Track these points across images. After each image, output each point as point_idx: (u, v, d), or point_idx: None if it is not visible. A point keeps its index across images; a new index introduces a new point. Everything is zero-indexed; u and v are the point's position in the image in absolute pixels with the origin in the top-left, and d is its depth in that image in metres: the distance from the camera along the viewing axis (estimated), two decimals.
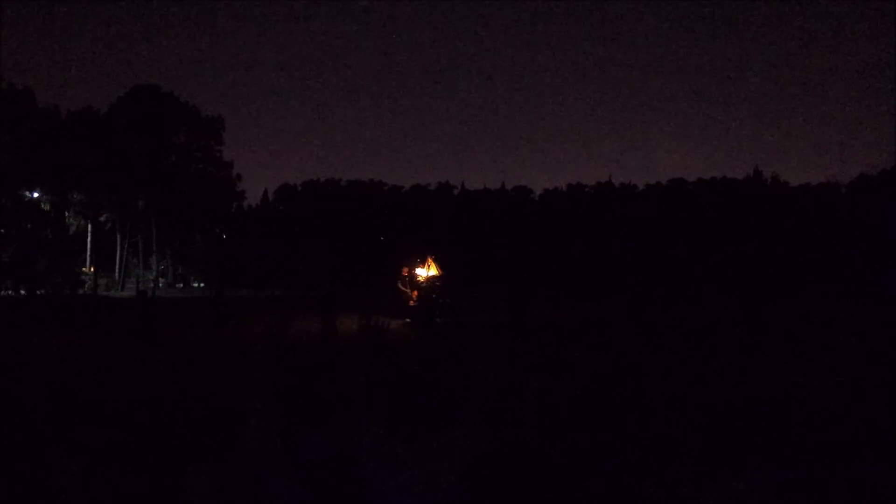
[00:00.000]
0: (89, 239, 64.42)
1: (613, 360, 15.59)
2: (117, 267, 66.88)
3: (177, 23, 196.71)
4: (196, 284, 76.84)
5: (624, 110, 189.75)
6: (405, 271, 33.68)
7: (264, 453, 7.83)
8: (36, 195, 61.90)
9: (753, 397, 11.18)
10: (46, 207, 62.63)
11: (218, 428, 8.97)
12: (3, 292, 53.39)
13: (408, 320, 29.77)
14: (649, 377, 13.11)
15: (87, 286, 60.66)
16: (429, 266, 33.94)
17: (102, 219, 66.55)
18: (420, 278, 33.05)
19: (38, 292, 53.83)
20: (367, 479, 6.96)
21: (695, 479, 6.96)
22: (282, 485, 6.72)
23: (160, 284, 68.27)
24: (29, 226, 60.21)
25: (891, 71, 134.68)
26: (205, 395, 11.18)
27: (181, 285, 75.39)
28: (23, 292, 53.45)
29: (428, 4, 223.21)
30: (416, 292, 31.70)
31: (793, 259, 66.97)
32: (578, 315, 30.81)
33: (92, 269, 63.88)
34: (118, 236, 67.21)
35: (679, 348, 17.93)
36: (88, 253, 64.33)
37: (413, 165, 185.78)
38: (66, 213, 64.59)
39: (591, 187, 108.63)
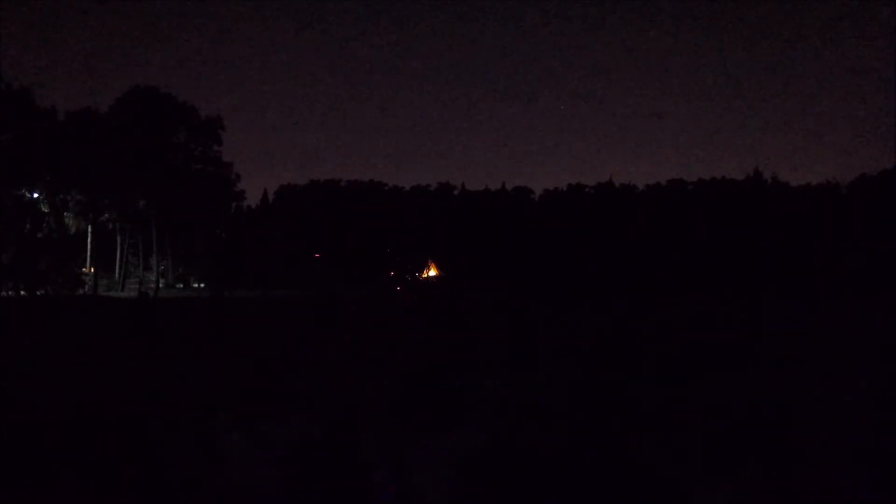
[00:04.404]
0: (89, 239, 64.35)
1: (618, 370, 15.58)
2: (117, 267, 66.83)
3: (177, 23, 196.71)
4: (196, 285, 76.79)
5: (624, 110, 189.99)
6: (405, 272, 33.84)
7: None
8: (36, 195, 61.82)
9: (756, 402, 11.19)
10: (46, 208, 62.55)
11: None
12: (3, 293, 53.34)
13: (407, 321, 29.75)
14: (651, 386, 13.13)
15: (87, 287, 60.61)
16: (429, 267, 34.08)
17: (102, 219, 66.47)
18: (420, 279, 33.18)
19: (39, 293, 53.79)
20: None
21: (689, 481, 6.97)
22: None
23: (160, 285, 68.23)
24: (29, 226, 60.14)
25: (891, 71, 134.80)
26: None
27: (181, 286, 75.35)
28: (23, 293, 53.41)
29: (429, 5, 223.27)
30: (416, 293, 31.78)
31: (793, 259, 66.93)
32: (580, 318, 30.79)
33: (92, 270, 63.82)
34: (118, 237, 67.15)
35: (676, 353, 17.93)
36: (88, 253, 64.27)
37: (413, 165, 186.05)
38: (66, 214, 64.50)
39: (591, 187, 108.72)
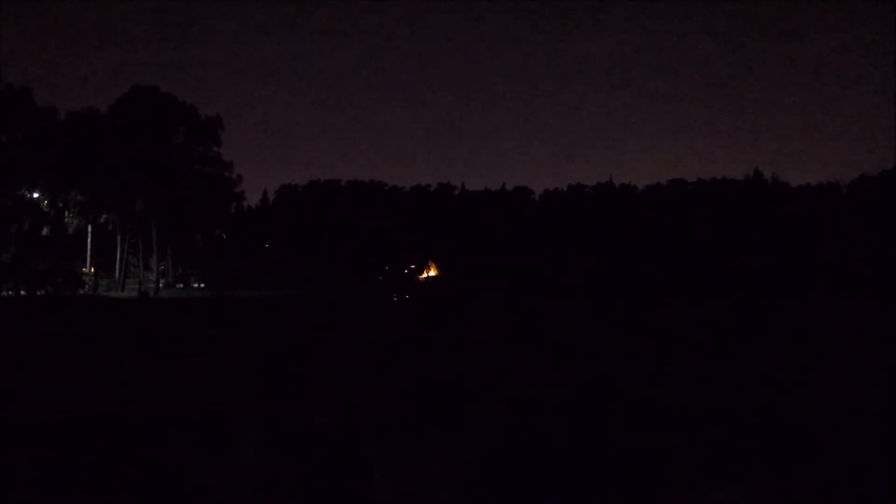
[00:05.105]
0: (89, 239, 64.29)
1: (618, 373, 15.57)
2: (117, 267, 66.74)
3: (177, 23, 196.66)
4: (196, 285, 76.74)
5: (624, 110, 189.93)
6: (405, 272, 33.87)
7: None
8: (36, 195, 61.79)
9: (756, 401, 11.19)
10: (46, 208, 62.50)
11: None
12: (3, 293, 53.32)
13: (406, 322, 29.75)
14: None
15: (87, 287, 60.60)
16: (429, 267, 34.09)
17: (102, 220, 66.40)
18: (420, 279, 33.21)
19: (39, 293, 53.80)
20: None
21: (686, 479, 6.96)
22: None
23: (161, 285, 68.18)
24: (29, 226, 60.09)
25: (891, 71, 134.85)
26: None
27: (181, 286, 75.29)
28: (23, 293, 53.41)
29: (428, 5, 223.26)
30: (416, 293, 31.81)
31: (793, 259, 66.88)
32: (581, 318, 30.76)
33: (92, 270, 63.77)
34: (118, 237, 67.07)
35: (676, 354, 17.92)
36: (89, 253, 64.23)
37: (413, 165, 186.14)
38: (66, 214, 64.43)
39: (591, 187, 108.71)
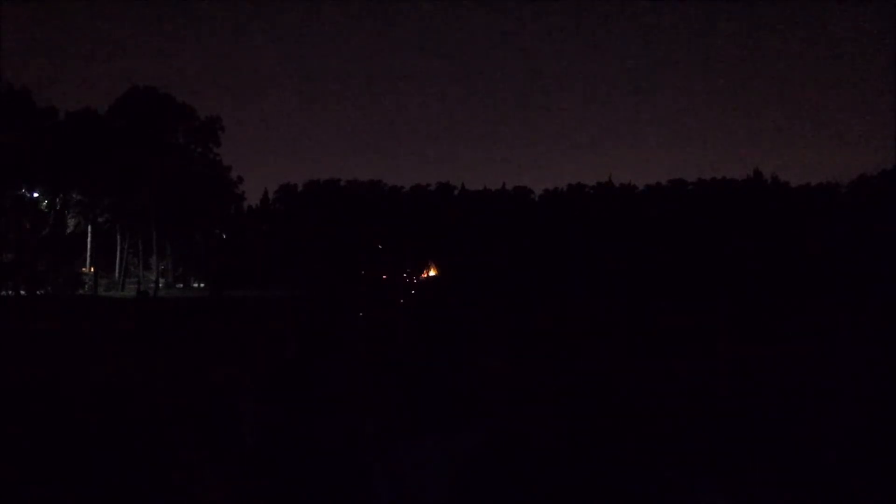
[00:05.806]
0: (89, 239, 64.37)
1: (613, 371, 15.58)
2: (117, 267, 66.82)
3: (177, 23, 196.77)
4: (196, 284, 76.81)
5: (624, 110, 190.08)
6: (405, 272, 33.87)
7: None
8: (36, 195, 61.88)
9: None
10: (46, 208, 62.59)
11: None
12: (3, 293, 53.34)
13: (406, 322, 29.73)
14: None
15: (87, 286, 60.65)
16: (429, 267, 34.11)
17: (101, 220, 66.46)
18: (420, 279, 33.20)
19: (39, 293, 53.83)
20: None
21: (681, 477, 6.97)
22: None
23: (160, 285, 68.25)
24: (29, 226, 60.18)
25: (891, 71, 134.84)
26: None
27: (181, 286, 75.37)
28: (23, 293, 53.44)
29: (428, 5, 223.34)
30: (416, 293, 31.81)
31: (792, 259, 66.96)
32: (580, 319, 30.77)
33: (92, 270, 63.84)
34: (118, 237, 67.16)
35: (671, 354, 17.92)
36: (88, 253, 64.30)
37: (413, 165, 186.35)
38: (66, 214, 64.53)
39: (591, 187, 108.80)
